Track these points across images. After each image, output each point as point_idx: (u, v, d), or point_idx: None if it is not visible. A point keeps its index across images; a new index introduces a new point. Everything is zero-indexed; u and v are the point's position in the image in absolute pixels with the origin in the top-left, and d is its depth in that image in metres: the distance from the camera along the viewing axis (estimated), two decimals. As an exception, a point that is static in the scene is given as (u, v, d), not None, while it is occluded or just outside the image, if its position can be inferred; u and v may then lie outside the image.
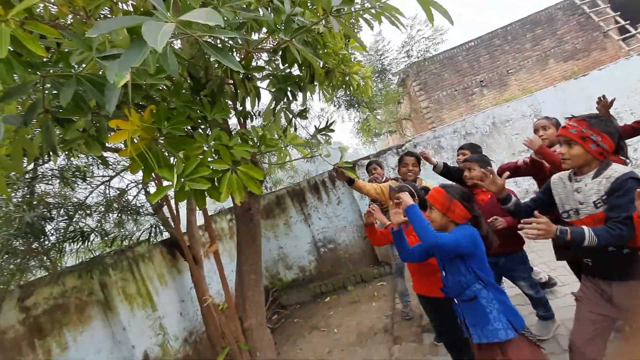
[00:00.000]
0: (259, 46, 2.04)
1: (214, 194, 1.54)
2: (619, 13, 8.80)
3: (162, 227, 3.61)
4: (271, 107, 2.23)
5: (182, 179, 1.35)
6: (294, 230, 5.34)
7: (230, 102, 2.40)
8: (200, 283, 3.64)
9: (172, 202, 3.76)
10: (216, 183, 1.56)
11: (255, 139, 1.81)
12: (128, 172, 3.71)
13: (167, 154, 1.50)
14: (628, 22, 8.50)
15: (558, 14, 10.43)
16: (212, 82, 1.92)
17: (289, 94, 2.42)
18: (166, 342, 3.27)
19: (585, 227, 1.39)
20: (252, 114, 2.63)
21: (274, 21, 1.66)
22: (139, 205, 3.62)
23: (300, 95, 2.52)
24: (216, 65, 1.99)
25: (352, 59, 2.59)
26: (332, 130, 2.40)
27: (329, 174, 5.12)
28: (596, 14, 9.25)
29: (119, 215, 3.38)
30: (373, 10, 1.57)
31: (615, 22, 8.92)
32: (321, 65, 2.55)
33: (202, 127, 1.79)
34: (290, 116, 2.44)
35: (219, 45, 1.46)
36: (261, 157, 1.92)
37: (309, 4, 1.97)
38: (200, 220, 3.99)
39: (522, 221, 1.45)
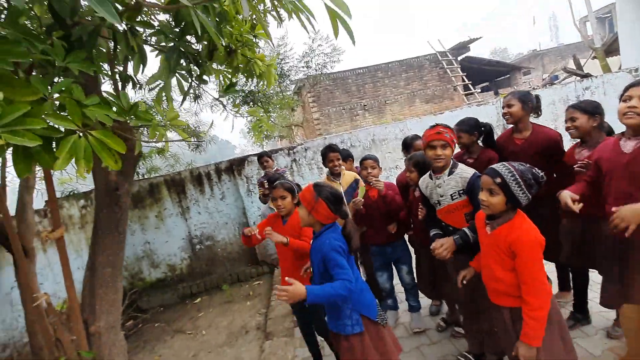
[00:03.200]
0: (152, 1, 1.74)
1: (45, 157, 1.19)
2: (465, 74, 11.34)
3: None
4: (164, 68, 1.90)
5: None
6: (167, 224, 4.77)
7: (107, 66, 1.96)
8: (30, 281, 2.84)
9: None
10: (54, 145, 1.21)
11: (123, 105, 1.48)
12: None
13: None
14: (470, 82, 11.02)
15: (425, 64, 12.75)
16: (81, 28, 1.52)
17: (183, 62, 2.14)
18: (-40, 359, 2.41)
19: (466, 229, 1.77)
20: (136, 80, 2.24)
21: None
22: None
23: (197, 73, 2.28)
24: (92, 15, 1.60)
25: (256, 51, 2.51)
26: (236, 91, 2.24)
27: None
28: (451, 71, 11.68)
29: None
30: (290, 6, 1.55)
31: (462, 80, 11.44)
32: (223, 44, 2.38)
33: (47, 74, 1.37)
34: (187, 84, 2.17)
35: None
36: (137, 134, 1.59)
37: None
38: (38, 203, 3.15)
39: (432, 247, 1.81)
